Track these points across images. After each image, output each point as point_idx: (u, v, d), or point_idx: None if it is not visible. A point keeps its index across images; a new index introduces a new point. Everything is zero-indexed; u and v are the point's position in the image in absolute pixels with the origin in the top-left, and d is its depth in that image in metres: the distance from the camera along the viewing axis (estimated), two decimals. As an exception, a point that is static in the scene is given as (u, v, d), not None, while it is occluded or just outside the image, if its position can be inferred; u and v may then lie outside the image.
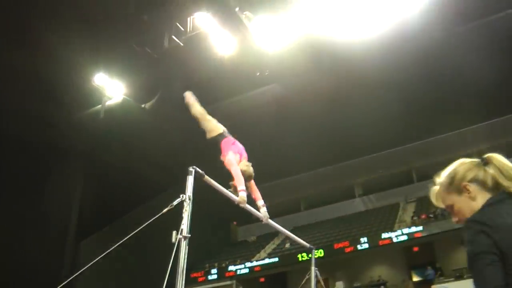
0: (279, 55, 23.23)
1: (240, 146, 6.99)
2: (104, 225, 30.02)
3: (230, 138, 7.00)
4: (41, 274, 26.39)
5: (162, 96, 29.21)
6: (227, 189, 5.71)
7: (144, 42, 24.11)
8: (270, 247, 35.56)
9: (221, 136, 6.98)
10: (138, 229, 4.99)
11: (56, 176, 29.23)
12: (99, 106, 29.10)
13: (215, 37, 22.22)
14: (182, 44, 22.92)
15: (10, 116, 26.04)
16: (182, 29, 23.00)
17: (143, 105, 29.96)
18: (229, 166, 6.20)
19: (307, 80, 27.26)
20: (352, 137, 30.99)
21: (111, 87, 27.86)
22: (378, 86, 27.66)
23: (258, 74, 25.99)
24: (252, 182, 6.70)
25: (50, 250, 28.55)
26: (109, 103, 29.07)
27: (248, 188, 6.29)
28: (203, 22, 22.04)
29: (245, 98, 29.73)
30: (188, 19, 22.93)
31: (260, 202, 6.77)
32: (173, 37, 22.91)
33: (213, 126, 7.01)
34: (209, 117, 7.02)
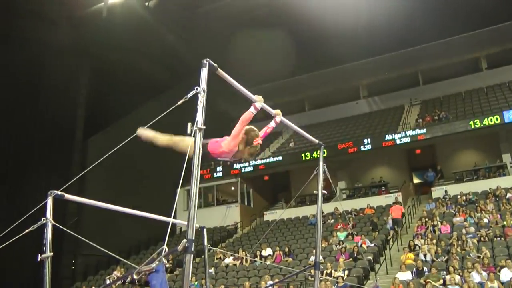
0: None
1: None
2: (111, 123, 30.21)
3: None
4: (51, 172, 26.87)
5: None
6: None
7: None
8: (274, 146, 35.87)
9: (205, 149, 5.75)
10: (151, 123, 5.08)
11: (61, 75, 29.18)
12: (102, 4, 28.72)
13: None
14: None
15: (13, 14, 25.82)
16: None
17: (146, 3, 29.58)
18: (237, 128, 5.48)
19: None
20: (358, 38, 30.65)
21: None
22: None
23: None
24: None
25: (58, 148, 28.91)
26: (111, 1, 28.69)
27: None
28: None
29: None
30: None
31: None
32: None
33: (188, 141, 5.53)
34: (178, 137, 5.75)
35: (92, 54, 30.22)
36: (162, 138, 5.73)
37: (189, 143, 5.36)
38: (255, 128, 5.50)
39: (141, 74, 31.32)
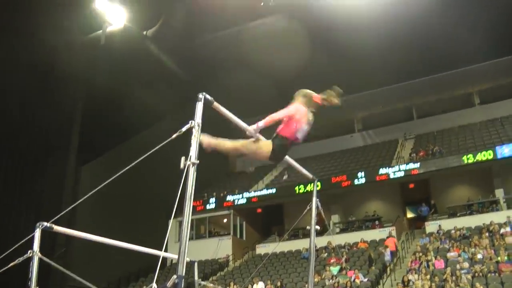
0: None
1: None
2: (105, 151, 30.15)
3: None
4: (42, 200, 26.65)
5: (165, 23, 28.93)
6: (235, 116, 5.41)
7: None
8: (268, 178, 35.85)
9: (282, 139, 5.66)
10: (146, 154, 5.01)
11: (56, 100, 29.13)
12: (100, 31, 28.84)
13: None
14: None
15: (12, 39, 25.81)
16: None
17: (145, 32, 29.71)
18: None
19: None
20: (354, 71, 30.75)
21: (112, 13, 27.58)
22: (381, 21, 27.33)
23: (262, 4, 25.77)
24: None
25: (50, 176, 28.73)
26: (110, 29, 28.81)
27: None
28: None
29: (248, 28, 29.45)
30: None
31: None
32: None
33: (262, 143, 5.60)
34: (245, 141, 5.60)
35: (89, 80, 30.23)
36: (229, 146, 5.65)
37: (265, 146, 5.55)
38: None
39: (138, 102, 31.30)
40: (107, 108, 30.15)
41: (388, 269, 23.21)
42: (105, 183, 5.22)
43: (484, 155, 26.61)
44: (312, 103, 5.74)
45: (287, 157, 7.02)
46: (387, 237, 25.50)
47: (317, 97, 5.71)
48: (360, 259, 24.75)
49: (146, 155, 4.87)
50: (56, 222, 5.99)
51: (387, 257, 23.77)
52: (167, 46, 30.01)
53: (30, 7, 25.30)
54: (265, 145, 5.57)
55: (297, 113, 5.61)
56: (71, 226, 7.09)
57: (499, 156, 26.34)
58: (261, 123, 5.45)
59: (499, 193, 27.52)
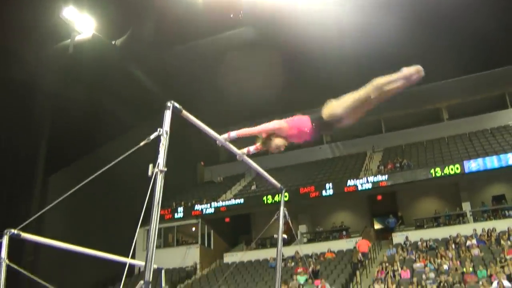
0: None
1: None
2: (73, 161, 29.91)
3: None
4: (9, 208, 26.30)
5: (133, 33, 28.85)
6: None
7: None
8: (236, 189, 35.90)
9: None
10: (112, 163, 5.03)
11: (23, 111, 28.83)
12: (68, 41, 28.66)
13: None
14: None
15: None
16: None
17: (113, 42, 29.60)
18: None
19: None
20: (322, 84, 30.91)
21: (80, 22, 27.43)
22: (352, 34, 27.60)
23: (231, 16, 25.85)
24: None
25: (18, 185, 28.42)
26: (78, 38, 28.65)
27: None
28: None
29: (218, 39, 29.53)
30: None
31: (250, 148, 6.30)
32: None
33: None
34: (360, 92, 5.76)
35: (56, 90, 29.89)
36: (348, 102, 5.89)
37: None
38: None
39: (106, 112, 31.11)
40: (76, 118, 29.94)
41: (356, 276, 23.40)
42: (72, 190, 5.23)
43: (452, 169, 27.02)
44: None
45: (256, 165, 7.10)
46: (354, 248, 25.80)
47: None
48: (327, 269, 24.90)
49: (113, 162, 4.89)
50: (24, 231, 5.99)
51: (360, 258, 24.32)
52: (136, 56, 29.95)
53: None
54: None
55: (282, 128, 5.71)
56: (39, 235, 7.05)
57: (466, 171, 26.80)
58: (234, 133, 5.49)
59: (466, 206, 28.01)
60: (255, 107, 31.41)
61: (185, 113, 4.80)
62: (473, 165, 26.87)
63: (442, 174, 27.18)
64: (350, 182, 29.15)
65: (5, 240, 5.81)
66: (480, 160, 27.03)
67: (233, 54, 29.11)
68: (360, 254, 24.78)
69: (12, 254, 5.85)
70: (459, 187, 28.75)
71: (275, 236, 8.00)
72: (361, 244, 25.58)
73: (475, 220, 27.05)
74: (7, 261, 5.79)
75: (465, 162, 27.11)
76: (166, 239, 33.61)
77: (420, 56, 29.09)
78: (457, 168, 26.90)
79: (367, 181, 28.76)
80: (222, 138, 5.49)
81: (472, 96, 35.38)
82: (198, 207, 31.73)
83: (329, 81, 30.14)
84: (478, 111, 35.19)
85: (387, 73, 5.48)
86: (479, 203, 28.68)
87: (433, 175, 27.36)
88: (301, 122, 5.78)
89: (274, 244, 28.07)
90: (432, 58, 28.52)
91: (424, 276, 20.70)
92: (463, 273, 20.59)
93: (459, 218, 27.64)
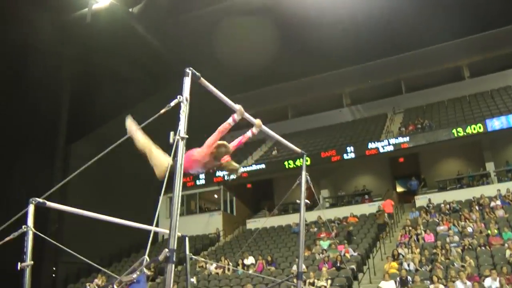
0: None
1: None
2: (94, 129, 30.04)
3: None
4: (33, 178, 26.52)
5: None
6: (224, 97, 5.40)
7: None
8: (257, 154, 35.82)
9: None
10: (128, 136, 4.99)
11: (43, 79, 28.92)
12: (86, 9, 28.63)
13: None
14: None
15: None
16: None
17: (130, 9, 29.51)
18: (213, 137, 5.48)
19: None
20: (341, 46, 30.64)
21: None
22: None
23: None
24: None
25: (40, 154, 28.64)
26: (95, 6, 28.61)
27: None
28: None
29: (230, 5, 29.43)
30: None
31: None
32: None
33: (163, 160, 5.47)
34: (155, 150, 5.55)
35: (76, 58, 30.03)
36: (141, 141, 5.65)
37: (163, 163, 5.35)
38: (228, 145, 5.60)
39: (125, 80, 31.19)
40: (95, 86, 30.04)
41: (379, 241, 23.38)
42: (94, 159, 5.22)
43: (474, 128, 26.62)
44: (217, 157, 5.60)
45: (274, 133, 7.03)
46: (377, 212, 25.80)
47: (224, 159, 5.75)
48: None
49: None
50: (48, 199, 6.01)
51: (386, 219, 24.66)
52: (152, 23, 29.90)
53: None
54: (160, 162, 5.47)
55: (203, 158, 5.51)
56: (62, 203, 7.08)
57: (489, 129, 26.40)
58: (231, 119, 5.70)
59: (490, 167, 27.65)
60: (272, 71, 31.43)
61: (203, 80, 4.74)
62: (496, 123, 26.48)
63: (464, 133, 26.80)
64: (372, 145, 28.93)
65: (31, 209, 5.84)
66: (503, 118, 26.60)
67: (233, 21, 29.07)
68: (386, 215, 24.80)
69: (37, 223, 5.87)
70: (482, 146, 28.38)
71: (297, 201, 7.96)
72: (386, 204, 25.62)
73: (499, 181, 26.70)
74: (33, 229, 5.82)
75: (487, 121, 26.72)
76: (189, 207, 33.73)
77: (426, 19, 28.97)
78: (480, 127, 26.51)
79: (389, 143, 28.50)
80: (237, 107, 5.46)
81: (493, 52, 34.83)
82: (219, 173, 31.74)
83: (327, 52, 30.18)
84: (500, 67, 34.66)
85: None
86: (503, 163, 28.26)
87: (455, 135, 27.01)
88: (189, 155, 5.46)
89: (296, 209, 28.04)
90: (449, 14, 28.24)
91: (448, 240, 20.54)
92: (488, 235, 20.36)
93: (482, 179, 27.31)
